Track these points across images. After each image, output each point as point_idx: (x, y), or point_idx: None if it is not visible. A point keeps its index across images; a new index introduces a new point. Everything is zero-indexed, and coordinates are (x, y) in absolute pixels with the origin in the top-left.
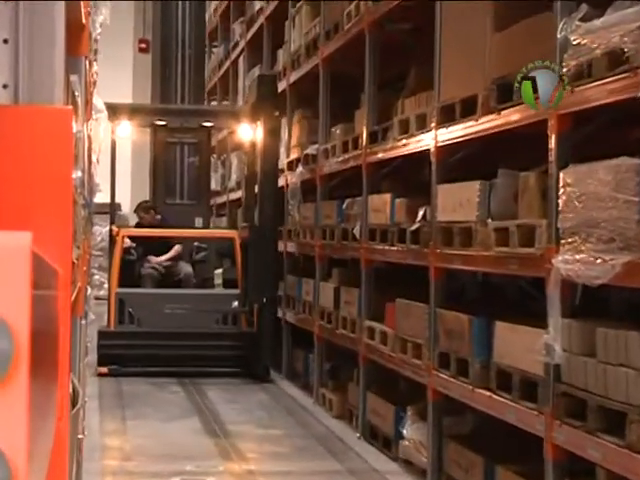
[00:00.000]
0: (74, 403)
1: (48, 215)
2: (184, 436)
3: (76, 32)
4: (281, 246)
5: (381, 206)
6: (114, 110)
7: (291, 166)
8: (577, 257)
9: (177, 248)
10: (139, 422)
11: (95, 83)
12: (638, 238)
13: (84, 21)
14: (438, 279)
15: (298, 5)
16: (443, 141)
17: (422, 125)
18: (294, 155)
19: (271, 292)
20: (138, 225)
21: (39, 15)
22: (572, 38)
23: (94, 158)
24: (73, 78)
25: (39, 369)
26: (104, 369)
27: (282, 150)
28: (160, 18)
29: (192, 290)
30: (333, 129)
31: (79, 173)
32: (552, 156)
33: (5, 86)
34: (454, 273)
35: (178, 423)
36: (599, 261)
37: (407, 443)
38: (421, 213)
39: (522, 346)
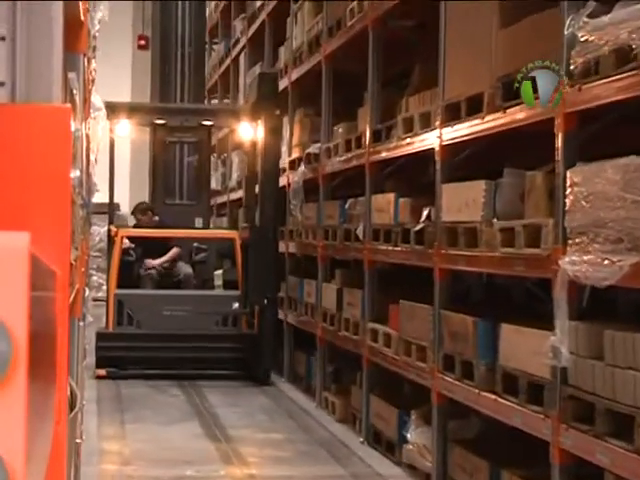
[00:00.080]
0: (72, 406)
1: (46, 215)
2: (184, 440)
3: (74, 29)
4: (282, 247)
5: (384, 206)
6: (113, 108)
7: (293, 165)
8: (584, 258)
9: (175, 250)
10: (138, 426)
11: (93, 81)
12: None
13: (82, 18)
14: (443, 280)
15: (300, 2)
16: (448, 140)
17: (426, 124)
18: (296, 154)
19: (272, 293)
20: (136, 227)
21: (37, 12)
22: (579, 35)
23: (92, 157)
24: (71, 76)
25: (37, 371)
26: (102, 372)
27: (283, 149)
28: (160, 14)
29: (192, 291)
30: (336, 128)
31: (77, 172)
32: (559, 155)
33: (2, 84)
34: (459, 274)
35: (178, 427)
36: (607, 262)
37: (411, 447)
38: (425, 213)
39: (528, 348)
